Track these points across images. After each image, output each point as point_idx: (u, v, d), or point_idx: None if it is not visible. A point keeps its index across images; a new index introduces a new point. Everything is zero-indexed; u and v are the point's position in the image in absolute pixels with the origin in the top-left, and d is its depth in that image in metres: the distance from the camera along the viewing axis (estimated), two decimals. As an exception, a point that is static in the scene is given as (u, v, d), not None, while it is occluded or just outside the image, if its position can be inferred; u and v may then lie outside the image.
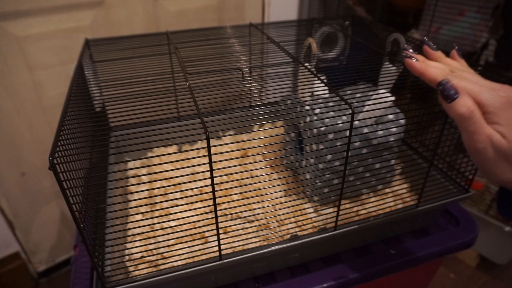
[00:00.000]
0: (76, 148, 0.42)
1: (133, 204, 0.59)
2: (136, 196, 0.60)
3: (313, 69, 0.56)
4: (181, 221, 0.55)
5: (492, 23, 0.96)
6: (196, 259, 0.50)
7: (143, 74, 0.58)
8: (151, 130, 0.66)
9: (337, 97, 0.45)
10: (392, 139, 0.55)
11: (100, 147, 0.59)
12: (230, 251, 0.51)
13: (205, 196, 0.59)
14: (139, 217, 0.59)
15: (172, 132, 0.39)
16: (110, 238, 0.48)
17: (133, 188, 0.63)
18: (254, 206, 0.57)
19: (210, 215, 0.55)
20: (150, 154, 0.72)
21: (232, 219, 0.56)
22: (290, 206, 0.57)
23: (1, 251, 1.04)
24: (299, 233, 0.52)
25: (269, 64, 0.56)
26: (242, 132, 0.78)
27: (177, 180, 0.64)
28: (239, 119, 0.70)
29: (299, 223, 0.56)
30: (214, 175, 0.40)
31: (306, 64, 0.54)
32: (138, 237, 0.54)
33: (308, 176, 0.58)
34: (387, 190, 0.63)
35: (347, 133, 0.48)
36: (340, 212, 0.51)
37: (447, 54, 0.40)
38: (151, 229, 0.56)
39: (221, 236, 0.46)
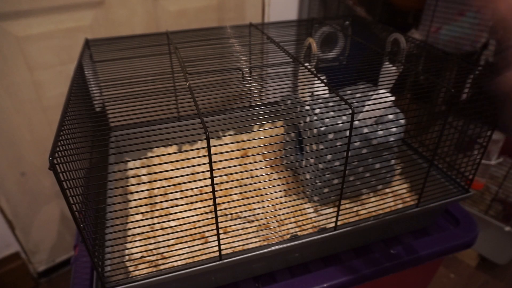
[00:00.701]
0: (76, 148, 0.42)
1: (133, 204, 0.59)
2: (136, 196, 0.60)
3: (313, 69, 0.56)
4: (181, 221, 0.55)
5: (492, 23, 0.96)
6: (196, 259, 0.50)
7: (143, 74, 0.58)
8: (151, 130, 0.66)
9: (337, 97, 0.45)
10: (392, 139, 0.55)
11: (100, 147, 0.59)
12: (230, 251, 0.51)
13: (205, 196, 0.59)
14: (139, 217, 0.59)
15: (172, 132, 0.39)
16: (110, 238, 0.48)
17: (133, 188, 0.63)
18: (254, 206, 0.57)
19: (210, 215, 0.55)
20: (150, 154, 0.72)
21: (232, 219, 0.56)
22: (290, 206, 0.57)
23: (1, 251, 1.04)
24: (299, 233, 0.52)
25: (269, 64, 0.56)
26: (242, 132, 0.78)
27: (177, 180, 0.64)
28: (239, 119, 0.70)
29: (299, 223, 0.56)
30: (214, 175, 0.40)
31: (306, 64, 0.54)
32: (138, 237, 0.54)
33: (308, 176, 0.58)
34: (387, 190, 0.63)
35: (347, 133, 0.49)
36: (340, 212, 0.51)
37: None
38: (151, 229, 0.56)
39: (221, 236, 0.46)
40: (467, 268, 1.24)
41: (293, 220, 0.56)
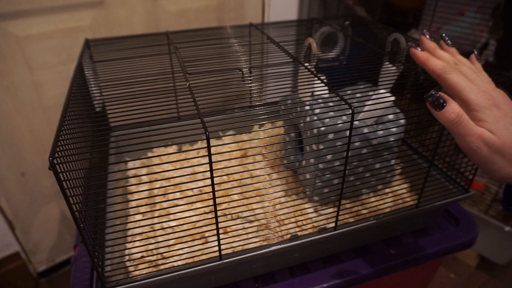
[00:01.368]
0: (76, 148, 0.42)
1: (133, 204, 0.59)
2: (136, 196, 0.60)
3: (313, 69, 0.56)
4: (181, 221, 0.55)
5: (492, 23, 0.96)
6: (196, 259, 0.50)
7: (143, 74, 0.58)
8: (151, 130, 0.66)
9: (337, 97, 0.45)
10: (392, 139, 0.55)
11: (100, 147, 0.59)
12: (230, 251, 0.51)
13: (205, 196, 0.59)
14: (139, 217, 0.59)
15: (172, 132, 0.39)
16: (110, 238, 0.48)
17: (133, 188, 0.63)
18: (254, 206, 0.57)
19: (210, 215, 0.55)
20: (150, 154, 0.72)
21: (232, 219, 0.56)
22: (290, 206, 0.57)
23: (1, 251, 1.04)
24: (299, 233, 0.52)
25: (269, 64, 0.56)
26: (242, 132, 0.78)
27: (177, 180, 0.64)
28: (239, 119, 0.70)
29: (299, 223, 0.56)
30: (214, 175, 0.40)
31: (306, 64, 0.54)
32: (138, 237, 0.54)
33: (308, 176, 0.58)
34: (387, 190, 0.63)
35: (347, 133, 0.48)
36: (340, 212, 0.51)
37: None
38: (151, 229, 0.56)
39: (221, 236, 0.46)
40: (467, 268, 1.24)
41: (293, 220, 0.56)
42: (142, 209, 0.57)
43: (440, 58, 0.38)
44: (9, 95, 0.88)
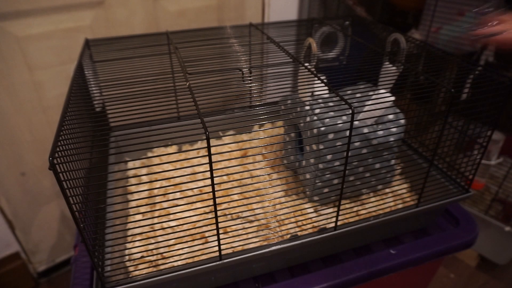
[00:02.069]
0: (76, 148, 0.42)
1: (133, 204, 0.59)
2: (136, 196, 0.60)
3: (313, 69, 0.56)
4: (181, 221, 0.55)
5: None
6: (196, 259, 0.50)
7: (143, 74, 0.58)
8: (151, 130, 0.66)
9: (337, 97, 0.45)
10: (392, 139, 0.55)
11: (100, 147, 0.59)
12: (230, 251, 0.51)
13: (205, 196, 0.59)
14: (139, 217, 0.59)
15: (172, 132, 0.39)
16: (110, 238, 0.48)
17: (133, 188, 0.63)
18: (254, 206, 0.57)
19: (210, 215, 0.55)
20: (150, 154, 0.72)
21: (232, 219, 0.56)
22: (290, 206, 0.57)
23: (1, 251, 1.04)
24: (299, 233, 0.52)
25: (269, 64, 0.56)
26: (242, 132, 0.78)
27: (177, 180, 0.64)
28: (239, 119, 0.70)
29: (299, 223, 0.56)
30: (214, 175, 0.40)
31: (306, 64, 0.54)
32: (138, 237, 0.54)
33: (308, 176, 0.58)
34: (387, 190, 0.63)
35: (347, 133, 0.49)
36: (340, 212, 0.51)
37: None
38: (151, 229, 0.56)
39: (221, 236, 0.46)
40: (467, 268, 1.24)
41: (293, 220, 0.56)
42: (142, 209, 0.57)
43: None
44: (9, 95, 0.88)
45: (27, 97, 0.91)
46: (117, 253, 0.49)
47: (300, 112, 0.57)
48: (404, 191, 0.63)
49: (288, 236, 0.51)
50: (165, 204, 0.59)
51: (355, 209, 0.58)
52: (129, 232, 0.56)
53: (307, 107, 0.56)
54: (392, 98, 0.53)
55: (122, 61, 0.62)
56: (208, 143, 0.38)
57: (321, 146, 0.53)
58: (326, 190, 0.56)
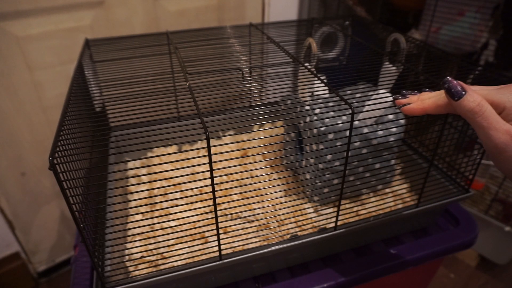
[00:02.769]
0: (76, 148, 0.42)
1: (133, 204, 0.59)
2: (136, 196, 0.60)
3: (313, 69, 0.56)
4: (181, 221, 0.55)
5: (492, 23, 0.96)
6: (196, 259, 0.50)
7: (143, 74, 0.58)
8: (151, 130, 0.66)
9: (337, 97, 0.45)
10: (392, 139, 0.55)
11: (100, 147, 0.59)
12: (230, 251, 0.51)
13: (205, 196, 0.59)
14: (139, 217, 0.59)
15: (172, 132, 0.39)
16: (110, 238, 0.48)
17: (133, 188, 0.63)
18: (254, 206, 0.57)
19: (210, 215, 0.55)
20: (150, 154, 0.72)
21: (232, 219, 0.56)
22: (290, 206, 0.57)
23: (1, 251, 1.04)
24: (299, 233, 0.52)
25: (269, 64, 0.56)
26: (242, 132, 0.78)
27: (177, 180, 0.64)
28: (239, 119, 0.70)
29: (299, 223, 0.56)
30: (214, 175, 0.40)
31: (306, 64, 0.54)
32: (138, 237, 0.54)
33: (308, 176, 0.58)
34: (387, 190, 0.63)
35: (347, 133, 0.49)
36: (340, 212, 0.51)
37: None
38: (151, 229, 0.56)
39: (221, 236, 0.46)
40: (467, 268, 1.24)
41: (293, 220, 0.56)
42: (142, 209, 0.57)
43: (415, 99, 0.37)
44: (9, 95, 0.88)
45: (27, 97, 0.91)
46: (117, 253, 0.49)
47: (300, 112, 0.57)
48: (404, 191, 0.63)
49: (288, 236, 0.51)
50: (165, 204, 0.59)
51: (355, 209, 0.58)
52: (129, 232, 0.56)
53: (307, 107, 0.56)
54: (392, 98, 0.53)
55: (122, 61, 0.62)
56: (208, 143, 0.38)
57: (321, 146, 0.53)
58: (326, 190, 0.56)
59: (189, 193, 0.61)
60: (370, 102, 0.53)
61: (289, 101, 0.61)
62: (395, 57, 0.60)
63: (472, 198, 1.17)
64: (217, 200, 0.55)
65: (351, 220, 0.54)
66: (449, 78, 0.33)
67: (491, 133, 0.30)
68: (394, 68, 0.59)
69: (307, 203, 0.59)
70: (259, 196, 0.59)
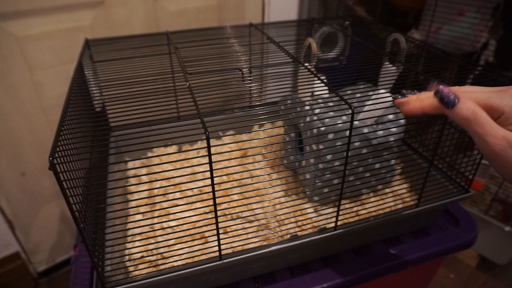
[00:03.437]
0: (76, 148, 0.42)
1: (133, 204, 0.59)
2: (136, 196, 0.60)
3: (313, 69, 0.56)
4: (181, 221, 0.55)
5: (492, 23, 0.96)
6: (196, 259, 0.50)
7: (143, 74, 0.58)
8: (151, 130, 0.66)
9: (337, 97, 0.45)
10: (392, 139, 0.55)
11: (100, 147, 0.59)
12: (230, 251, 0.51)
13: (205, 196, 0.59)
14: (139, 217, 0.59)
15: (172, 132, 0.39)
16: (110, 238, 0.48)
17: (133, 188, 0.63)
18: (254, 206, 0.57)
19: (210, 215, 0.55)
20: (150, 154, 0.72)
21: (232, 219, 0.56)
22: (290, 206, 0.57)
23: (1, 251, 1.04)
24: (299, 233, 0.52)
25: (269, 64, 0.56)
26: (242, 132, 0.78)
27: (177, 180, 0.64)
28: (239, 119, 0.70)
29: (299, 223, 0.56)
30: (214, 175, 0.40)
31: (306, 64, 0.54)
32: (138, 237, 0.54)
33: (308, 176, 0.58)
34: (387, 190, 0.63)
35: (347, 133, 0.49)
36: (340, 212, 0.51)
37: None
38: (151, 229, 0.56)
39: (221, 236, 0.46)
40: (467, 268, 1.24)
41: (293, 220, 0.56)
42: (142, 209, 0.57)
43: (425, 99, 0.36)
44: (9, 95, 0.88)
45: (27, 97, 0.91)
46: (117, 253, 0.49)
47: (300, 112, 0.57)
48: (404, 191, 0.63)
49: (288, 236, 0.51)
50: (165, 204, 0.59)
51: (355, 209, 0.58)
52: (129, 232, 0.56)
53: (307, 107, 0.56)
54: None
55: (122, 61, 0.62)
56: (208, 143, 0.38)
57: (321, 146, 0.53)
58: (326, 190, 0.56)
59: (189, 193, 0.61)
60: (370, 102, 0.53)
61: (289, 101, 0.61)
62: (395, 57, 0.60)
63: (472, 198, 1.17)
64: (217, 200, 0.55)
65: (351, 220, 0.54)
66: (441, 87, 0.33)
67: (487, 139, 0.30)
68: (394, 68, 0.59)
69: (307, 203, 0.59)
70: (259, 196, 0.59)
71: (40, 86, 0.92)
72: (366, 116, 0.54)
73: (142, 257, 0.51)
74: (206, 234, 0.53)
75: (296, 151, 0.64)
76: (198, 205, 0.59)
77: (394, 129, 0.55)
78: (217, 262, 0.47)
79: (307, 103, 0.56)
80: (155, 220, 0.57)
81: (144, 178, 0.66)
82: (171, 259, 0.51)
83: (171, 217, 0.57)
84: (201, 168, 0.63)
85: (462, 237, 0.61)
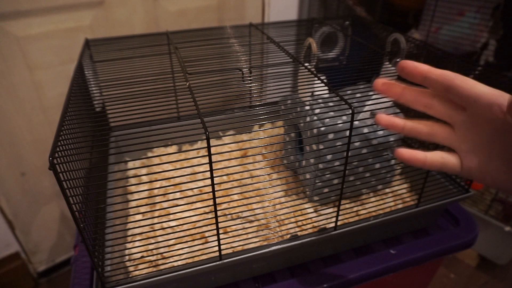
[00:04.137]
0: (76, 148, 0.42)
1: (133, 204, 0.59)
2: (136, 196, 0.60)
3: (313, 69, 0.56)
4: (181, 221, 0.55)
5: (492, 23, 0.96)
6: (196, 259, 0.50)
7: (143, 74, 0.58)
8: (151, 130, 0.66)
9: (337, 97, 0.45)
10: (392, 139, 0.55)
11: (100, 147, 0.59)
12: (230, 251, 0.50)
13: (205, 196, 0.58)
14: (139, 217, 0.59)
15: (172, 132, 0.39)
16: (110, 238, 0.48)
17: (133, 188, 0.63)
18: (254, 206, 0.57)
19: (210, 215, 0.55)
20: (150, 154, 0.72)
21: (232, 219, 0.56)
22: (290, 206, 0.57)
23: (1, 251, 1.04)
24: (299, 233, 0.52)
25: (269, 64, 0.56)
26: (242, 132, 0.78)
27: (177, 180, 0.64)
28: (239, 119, 0.70)
29: (299, 223, 0.56)
30: (214, 175, 0.40)
31: (306, 64, 0.54)
32: (138, 237, 0.54)
33: (308, 176, 0.58)
34: (387, 190, 0.63)
35: (347, 133, 0.49)
36: (340, 212, 0.51)
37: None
38: (151, 229, 0.56)
39: (221, 236, 0.45)
40: (467, 268, 1.24)
41: (293, 220, 0.56)
42: (142, 209, 0.57)
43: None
44: (9, 95, 0.88)
45: (27, 97, 0.91)
46: (117, 253, 0.49)
47: (300, 112, 0.57)
48: (404, 191, 0.63)
49: (288, 236, 0.51)
50: (165, 204, 0.59)
51: (355, 209, 0.58)
52: (129, 232, 0.56)
53: (307, 107, 0.56)
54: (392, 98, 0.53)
55: (122, 61, 0.62)
56: (208, 143, 0.38)
57: (321, 146, 0.53)
58: (326, 190, 0.56)
59: (189, 193, 0.61)
60: (370, 102, 0.53)
61: (289, 101, 0.61)
62: (395, 57, 0.60)
63: (472, 198, 1.17)
64: (217, 200, 0.55)
65: (351, 220, 0.54)
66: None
67: (455, 171, 0.33)
68: (394, 68, 0.59)
69: (307, 203, 0.59)
70: (259, 196, 0.59)
71: (40, 86, 0.92)
72: (366, 116, 0.54)
73: (142, 257, 0.51)
74: (206, 234, 0.53)
75: (296, 151, 0.64)
76: (198, 205, 0.59)
77: (394, 129, 0.55)
78: (217, 262, 0.46)
79: (307, 103, 0.56)
80: (155, 220, 0.57)
81: (144, 178, 0.66)
82: (171, 259, 0.51)
83: (171, 217, 0.57)
84: (201, 168, 0.63)
85: (462, 237, 0.61)
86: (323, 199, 0.58)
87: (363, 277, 0.55)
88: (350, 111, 0.43)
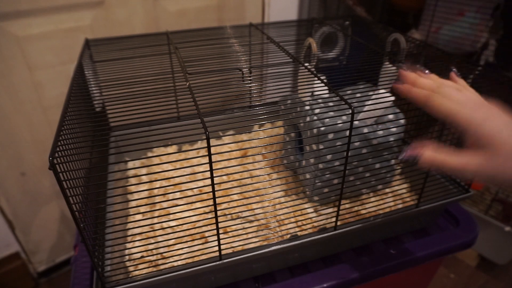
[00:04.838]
0: (76, 148, 0.42)
1: (133, 204, 0.59)
2: (136, 196, 0.60)
3: (313, 69, 0.56)
4: (181, 221, 0.55)
5: (492, 23, 0.96)
6: (196, 259, 0.50)
7: (143, 74, 0.58)
8: (151, 130, 0.66)
9: (337, 97, 0.45)
10: (392, 139, 0.55)
11: (100, 147, 0.59)
12: (230, 251, 0.51)
13: (205, 196, 0.58)
14: (139, 217, 0.59)
15: (172, 132, 0.39)
16: (110, 238, 0.48)
17: (133, 188, 0.63)
18: (254, 206, 0.57)
19: (210, 215, 0.55)
20: (150, 154, 0.72)
21: (232, 219, 0.56)
22: (290, 206, 0.57)
23: (1, 251, 1.04)
24: (299, 233, 0.52)
25: (269, 64, 0.56)
26: (242, 132, 0.78)
27: (177, 180, 0.64)
28: (239, 119, 0.70)
29: (299, 223, 0.56)
30: (214, 175, 0.40)
31: (306, 64, 0.54)
32: (138, 237, 0.54)
33: (308, 176, 0.58)
34: (387, 190, 0.63)
35: (347, 133, 0.49)
36: (340, 212, 0.51)
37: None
38: (151, 229, 0.56)
39: (221, 236, 0.46)
40: (467, 268, 1.24)
41: (293, 220, 0.56)
42: (142, 209, 0.57)
43: (422, 86, 0.38)
44: (9, 95, 0.88)
45: (27, 97, 0.91)
46: (117, 253, 0.49)
47: (300, 112, 0.57)
48: (404, 191, 0.63)
49: (288, 236, 0.51)
50: (165, 204, 0.59)
51: (355, 209, 0.58)
52: (129, 232, 0.56)
53: (307, 107, 0.56)
54: (392, 98, 0.53)
55: (122, 61, 0.62)
56: (208, 143, 0.38)
57: (321, 146, 0.53)
58: (326, 190, 0.56)
59: (189, 193, 0.61)
60: (370, 102, 0.53)
61: (289, 101, 0.61)
62: (395, 57, 0.60)
63: (472, 198, 1.17)
64: (217, 200, 0.55)
65: (351, 220, 0.54)
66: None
67: (459, 172, 0.35)
68: (394, 68, 0.59)
69: (307, 203, 0.59)
70: (259, 196, 0.59)
71: (40, 86, 0.92)
72: (366, 116, 0.54)
73: (142, 257, 0.51)
74: (206, 234, 0.53)
75: (296, 151, 0.64)
76: (198, 205, 0.59)
77: (394, 129, 0.55)
78: (217, 262, 0.47)
79: (307, 103, 0.56)
80: (155, 220, 0.57)
81: (144, 178, 0.66)
82: (171, 259, 0.51)
83: (171, 217, 0.57)
84: (201, 168, 0.63)
85: (462, 237, 0.61)
86: (323, 199, 0.58)
87: (363, 277, 0.55)
88: (350, 111, 0.43)
